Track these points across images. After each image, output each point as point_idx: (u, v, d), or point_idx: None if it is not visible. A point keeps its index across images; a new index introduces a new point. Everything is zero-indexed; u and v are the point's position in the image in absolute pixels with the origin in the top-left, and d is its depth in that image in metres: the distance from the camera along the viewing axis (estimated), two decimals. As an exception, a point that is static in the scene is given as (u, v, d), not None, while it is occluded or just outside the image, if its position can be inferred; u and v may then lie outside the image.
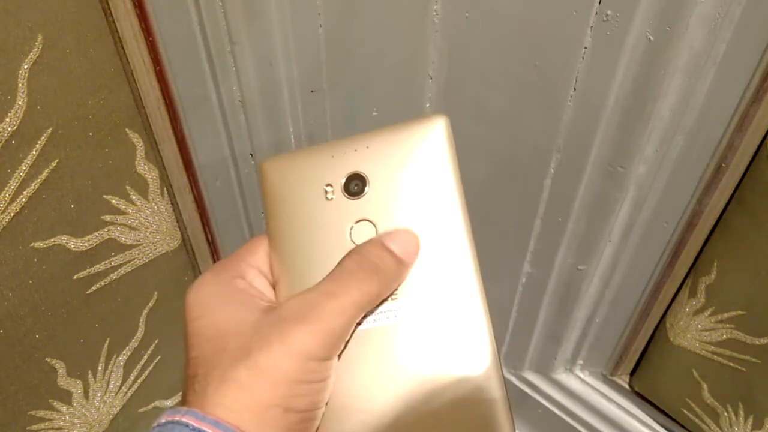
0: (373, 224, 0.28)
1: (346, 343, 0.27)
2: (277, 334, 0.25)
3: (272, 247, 0.29)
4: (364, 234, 0.28)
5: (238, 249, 0.30)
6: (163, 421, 0.24)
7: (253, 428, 0.24)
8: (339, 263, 0.27)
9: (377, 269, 0.26)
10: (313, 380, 0.25)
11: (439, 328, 0.27)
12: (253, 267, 0.29)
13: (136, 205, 0.49)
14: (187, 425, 0.23)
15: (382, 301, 0.27)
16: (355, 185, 0.28)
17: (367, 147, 0.28)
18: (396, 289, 0.28)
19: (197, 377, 0.25)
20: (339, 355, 0.27)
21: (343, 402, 0.27)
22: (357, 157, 0.28)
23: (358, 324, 0.27)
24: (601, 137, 0.45)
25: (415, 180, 0.28)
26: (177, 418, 0.23)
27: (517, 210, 0.54)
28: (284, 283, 0.29)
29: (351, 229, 0.28)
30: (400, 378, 0.27)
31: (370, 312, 0.27)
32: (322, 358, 0.25)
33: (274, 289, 0.29)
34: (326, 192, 0.28)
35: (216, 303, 0.27)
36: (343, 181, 0.28)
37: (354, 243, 0.28)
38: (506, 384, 0.77)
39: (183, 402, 0.26)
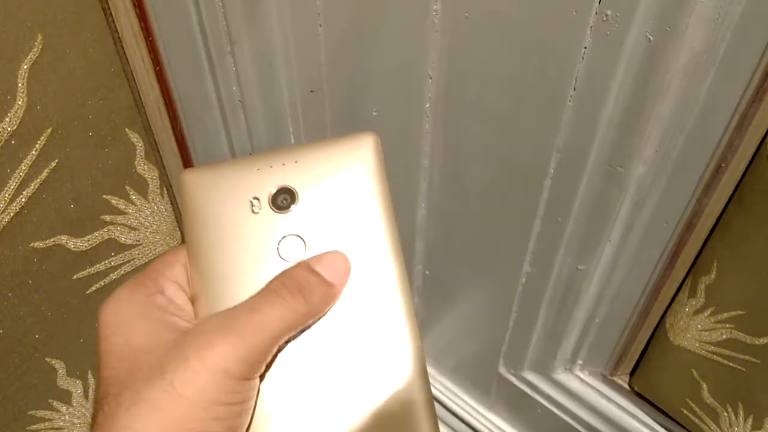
0: (302, 239, 0.28)
1: (268, 366, 0.26)
2: (195, 348, 0.23)
3: (192, 260, 0.28)
4: (293, 249, 0.28)
5: (154, 261, 0.29)
6: None
7: None
8: (264, 286, 0.26)
9: (302, 289, 0.26)
10: (231, 402, 0.24)
11: (362, 343, 0.27)
12: (172, 281, 0.28)
13: (136, 205, 0.49)
14: None
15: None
16: (284, 199, 0.28)
17: (296, 161, 0.28)
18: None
19: (108, 398, 0.24)
20: (261, 378, 0.26)
21: (263, 424, 0.26)
22: (286, 171, 0.28)
23: (281, 347, 0.26)
24: (601, 137, 0.45)
25: (343, 196, 0.28)
26: None
27: (517, 210, 0.54)
28: (205, 298, 0.28)
29: (279, 243, 0.28)
30: (321, 395, 0.26)
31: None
32: (241, 376, 0.24)
33: (192, 304, 0.28)
34: (252, 205, 0.28)
35: (132, 320, 0.26)
36: (271, 194, 0.28)
37: (282, 258, 0.27)
38: (506, 384, 0.76)
39: (92, 425, 0.24)
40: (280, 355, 0.26)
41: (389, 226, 0.28)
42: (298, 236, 0.28)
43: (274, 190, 0.28)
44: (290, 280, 0.26)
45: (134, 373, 0.24)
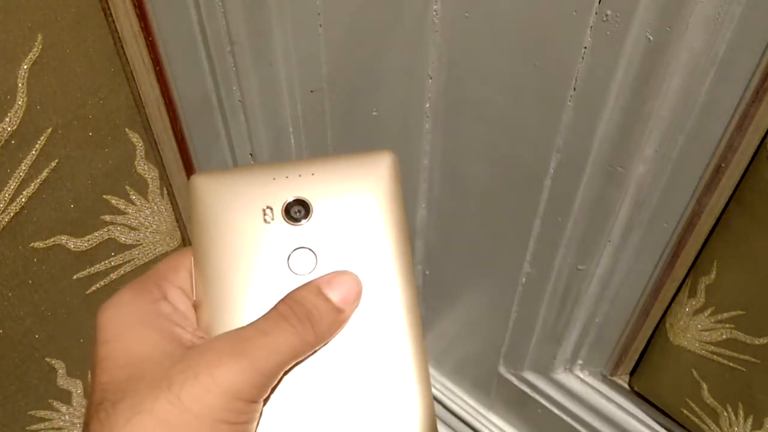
0: (314, 253, 0.27)
1: (272, 389, 0.25)
2: (205, 366, 0.23)
3: (198, 266, 0.27)
4: (304, 262, 0.27)
5: (158, 264, 0.28)
6: None
7: None
8: (273, 307, 0.26)
9: (311, 318, 0.25)
10: (236, 422, 0.23)
11: (366, 369, 0.26)
12: (176, 287, 0.27)
13: (136, 205, 0.49)
14: None
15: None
16: (297, 211, 0.27)
17: (313, 174, 0.27)
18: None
19: (104, 404, 0.23)
20: (264, 401, 0.25)
21: None
22: (301, 183, 0.27)
23: (286, 371, 0.26)
24: (601, 137, 0.45)
25: (358, 214, 0.27)
26: None
27: (517, 210, 0.54)
28: (210, 306, 0.27)
29: (290, 256, 0.27)
30: (323, 419, 0.26)
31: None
32: (249, 398, 0.24)
33: (195, 311, 0.27)
34: (265, 214, 0.27)
35: (134, 327, 0.25)
36: (285, 205, 0.27)
37: (292, 271, 0.27)
38: (506, 384, 0.76)
39: (85, 431, 0.23)
40: (283, 378, 0.26)
41: (403, 248, 0.27)
42: (310, 249, 0.27)
43: (288, 200, 0.27)
44: (299, 307, 0.25)
45: (135, 382, 0.23)
